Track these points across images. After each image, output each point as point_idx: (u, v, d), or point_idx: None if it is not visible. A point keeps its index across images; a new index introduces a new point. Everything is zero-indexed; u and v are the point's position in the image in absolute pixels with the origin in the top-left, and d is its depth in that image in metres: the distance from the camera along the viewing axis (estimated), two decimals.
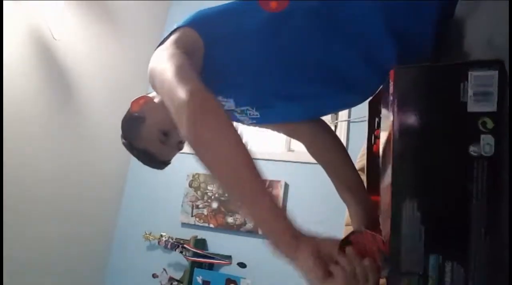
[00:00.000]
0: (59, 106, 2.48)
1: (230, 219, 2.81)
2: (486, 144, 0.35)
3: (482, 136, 0.35)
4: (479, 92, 0.35)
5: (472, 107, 0.36)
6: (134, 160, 3.57)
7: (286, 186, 2.75)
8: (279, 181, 2.72)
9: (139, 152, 0.96)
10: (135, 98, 0.99)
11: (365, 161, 0.72)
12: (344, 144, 2.76)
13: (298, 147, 3.00)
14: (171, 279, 2.70)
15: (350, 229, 1.74)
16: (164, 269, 2.73)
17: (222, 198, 2.87)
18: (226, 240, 2.80)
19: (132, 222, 3.04)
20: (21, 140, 2.20)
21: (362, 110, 1.02)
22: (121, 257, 3.00)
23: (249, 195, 0.55)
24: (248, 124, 1.01)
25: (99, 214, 2.93)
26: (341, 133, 2.76)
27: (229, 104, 0.88)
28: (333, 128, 2.83)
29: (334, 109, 1.21)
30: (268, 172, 2.80)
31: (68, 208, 2.60)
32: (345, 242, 0.50)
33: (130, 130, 0.97)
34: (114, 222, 3.09)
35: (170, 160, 1.00)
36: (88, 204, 2.78)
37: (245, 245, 2.75)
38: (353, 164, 1.00)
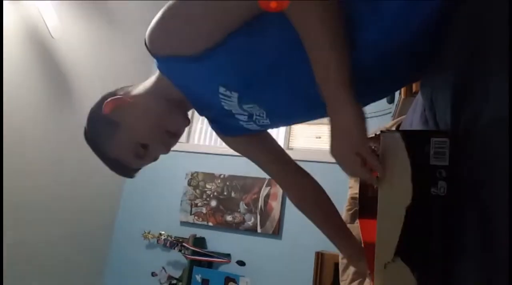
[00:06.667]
0: (58, 105, 2.47)
1: (229, 218, 2.81)
2: (441, 187, 0.53)
3: (439, 181, 0.53)
4: (437, 152, 0.54)
5: (433, 161, 0.54)
6: None
7: None
8: None
9: (107, 160, 0.81)
10: (108, 96, 0.83)
11: (357, 187, 0.82)
12: None
13: (298, 145, 3.00)
14: (170, 278, 2.70)
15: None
16: (163, 268, 2.73)
17: (221, 197, 2.87)
18: (225, 239, 2.80)
19: (131, 221, 3.04)
20: (20, 139, 2.20)
21: None
22: (120, 256, 3.00)
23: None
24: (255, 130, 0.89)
25: (98, 213, 2.92)
26: None
27: (232, 101, 0.76)
28: None
29: None
30: None
31: (66, 207, 2.59)
32: None
33: (100, 134, 0.82)
34: (113, 221, 3.09)
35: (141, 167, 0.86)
36: (87, 203, 2.77)
37: (244, 243, 2.75)
38: (338, 214, 1.06)
